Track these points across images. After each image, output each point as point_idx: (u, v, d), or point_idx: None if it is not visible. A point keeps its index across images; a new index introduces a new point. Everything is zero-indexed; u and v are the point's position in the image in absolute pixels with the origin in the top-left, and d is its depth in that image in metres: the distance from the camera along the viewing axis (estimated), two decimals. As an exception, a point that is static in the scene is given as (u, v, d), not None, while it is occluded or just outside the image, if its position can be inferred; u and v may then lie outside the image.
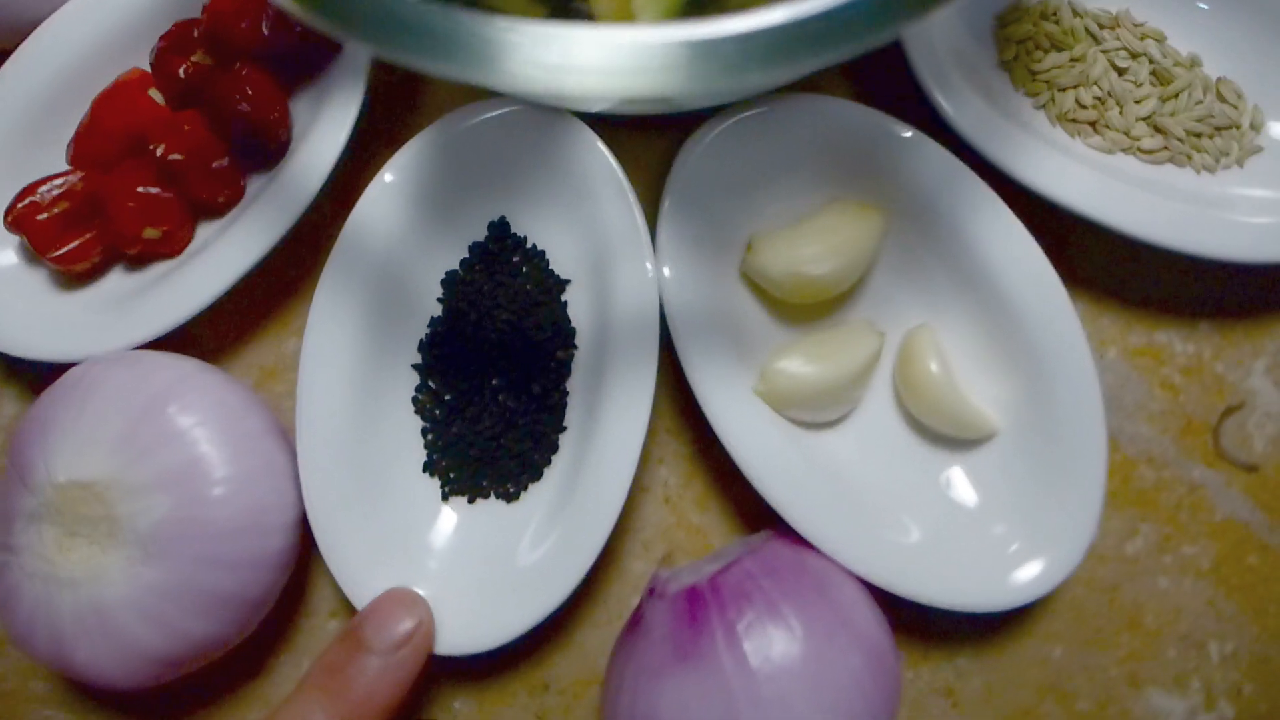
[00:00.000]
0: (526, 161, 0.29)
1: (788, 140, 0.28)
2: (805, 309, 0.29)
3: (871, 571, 0.26)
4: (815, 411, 0.28)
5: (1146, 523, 0.30)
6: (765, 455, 0.27)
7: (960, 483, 0.28)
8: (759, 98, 0.28)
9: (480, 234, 0.30)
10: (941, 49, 0.28)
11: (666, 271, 0.27)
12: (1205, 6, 0.30)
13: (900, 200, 0.28)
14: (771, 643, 0.24)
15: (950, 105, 0.28)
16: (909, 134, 0.27)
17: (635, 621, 0.27)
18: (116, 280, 0.30)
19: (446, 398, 0.29)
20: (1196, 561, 0.30)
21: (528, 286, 0.29)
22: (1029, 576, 0.26)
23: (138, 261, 0.30)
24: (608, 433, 0.27)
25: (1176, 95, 0.29)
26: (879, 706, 0.24)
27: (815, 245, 0.28)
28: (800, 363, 0.27)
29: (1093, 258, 0.31)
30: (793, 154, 0.28)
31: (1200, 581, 0.30)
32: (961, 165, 0.27)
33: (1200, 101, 0.29)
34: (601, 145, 0.28)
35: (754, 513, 0.30)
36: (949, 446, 0.29)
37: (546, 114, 0.28)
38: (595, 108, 0.27)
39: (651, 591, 0.26)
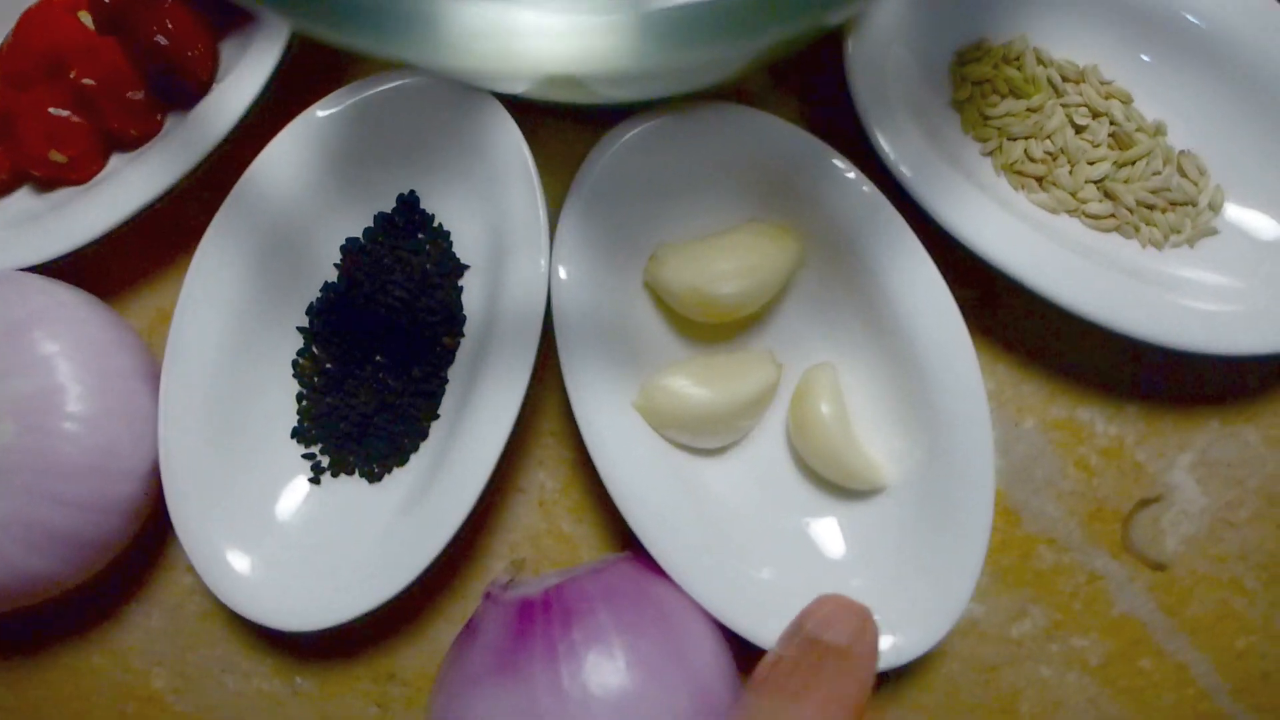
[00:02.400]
0: (442, 136, 0.28)
1: (711, 150, 0.27)
2: (707, 329, 0.28)
3: (723, 611, 0.25)
4: (696, 436, 0.27)
5: (1038, 606, 0.28)
6: (631, 471, 0.25)
7: (836, 534, 0.27)
8: (686, 101, 0.26)
9: (389, 204, 0.29)
10: (891, 78, 0.27)
11: (562, 270, 0.26)
12: (1148, 59, 0.28)
13: (820, 231, 0.27)
14: (591, 669, 0.23)
15: (886, 139, 0.26)
16: (835, 161, 0.26)
17: (470, 625, 0.26)
18: (21, 201, 0.30)
19: (328, 366, 0.28)
20: (1085, 655, 0.28)
21: (427, 265, 0.28)
22: (883, 645, 0.25)
23: (45, 185, 0.30)
24: (473, 428, 0.26)
25: (1134, 162, 0.27)
26: (695, 755, 0.23)
27: (723, 263, 0.26)
28: (686, 382, 0.26)
29: (1022, 321, 0.29)
30: (715, 165, 0.27)
31: (1086, 677, 0.28)
32: (885, 203, 0.26)
33: (1158, 172, 0.27)
34: (515, 128, 0.26)
35: (629, 531, 0.29)
36: (835, 494, 0.27)
37: (466, 89, 0.27)
38: (518, 87, 0.26)
39: (488, 595, 0.25)
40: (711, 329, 0.28)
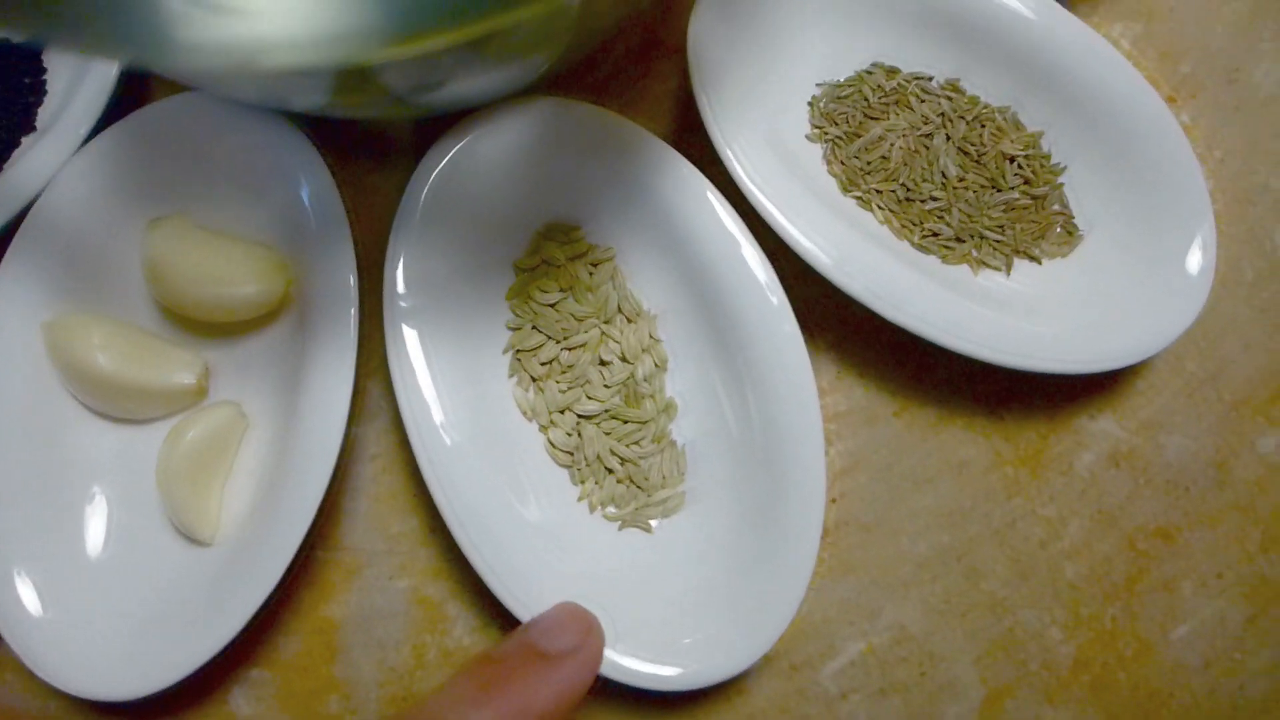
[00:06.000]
0: None
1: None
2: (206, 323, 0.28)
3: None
4: (73, 387, 0.26)
5: (294, 747, 0.27)
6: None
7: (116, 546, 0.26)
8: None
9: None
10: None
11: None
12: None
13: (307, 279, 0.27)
14: None
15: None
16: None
17: None
18: None
19: None
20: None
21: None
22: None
23: None
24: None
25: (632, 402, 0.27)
26: None
27: (184, 256, 0.26)
28: (96, 334, 0.26)
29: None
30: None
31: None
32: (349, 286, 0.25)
33: (638, 443, 0.27)
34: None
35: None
36: (170, 535, 0.27)
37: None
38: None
39: None
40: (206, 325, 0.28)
